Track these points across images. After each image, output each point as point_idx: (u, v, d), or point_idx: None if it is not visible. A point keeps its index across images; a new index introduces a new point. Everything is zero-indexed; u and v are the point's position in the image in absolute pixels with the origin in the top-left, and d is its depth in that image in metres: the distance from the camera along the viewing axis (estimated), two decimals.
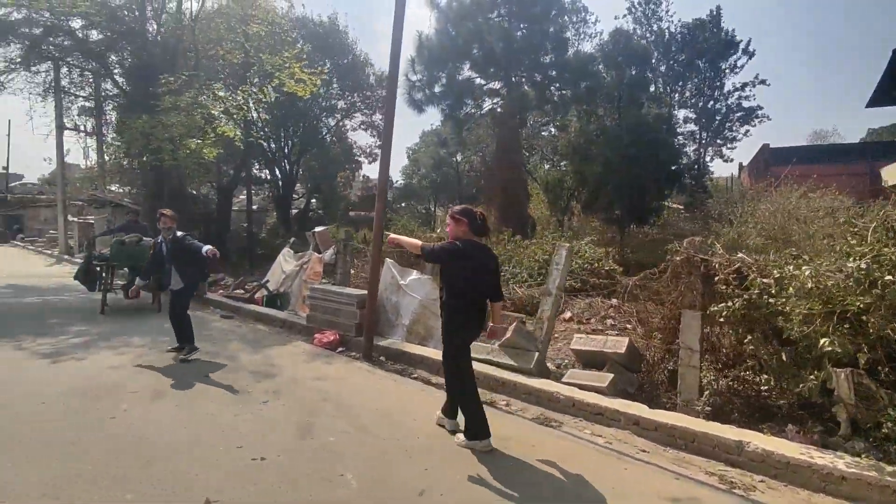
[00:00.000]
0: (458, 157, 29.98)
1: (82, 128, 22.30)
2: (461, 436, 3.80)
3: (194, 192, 19.65)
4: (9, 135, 43.00)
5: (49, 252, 22.27)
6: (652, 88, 21.02)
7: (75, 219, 21.54)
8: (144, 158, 13.64)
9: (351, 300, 6.68)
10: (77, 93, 19.54)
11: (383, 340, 6.41)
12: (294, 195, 28.22)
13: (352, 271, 8.88)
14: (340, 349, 6.55)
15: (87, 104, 20.98)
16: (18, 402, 4.29)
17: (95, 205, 17.53)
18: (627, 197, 16.88)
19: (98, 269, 8.54)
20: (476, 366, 4.30)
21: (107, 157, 21.41)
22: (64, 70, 18.30)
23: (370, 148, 30.90)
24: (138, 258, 8.57)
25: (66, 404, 4.27)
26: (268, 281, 9.65)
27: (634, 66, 18.21)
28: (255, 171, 24.45)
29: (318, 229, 9.50)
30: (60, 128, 21.60)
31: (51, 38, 13.97)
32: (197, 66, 13.92)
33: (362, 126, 29.32)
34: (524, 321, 5.94)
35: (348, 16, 76.11)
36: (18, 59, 13.57)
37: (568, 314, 7.64)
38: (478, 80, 18.27)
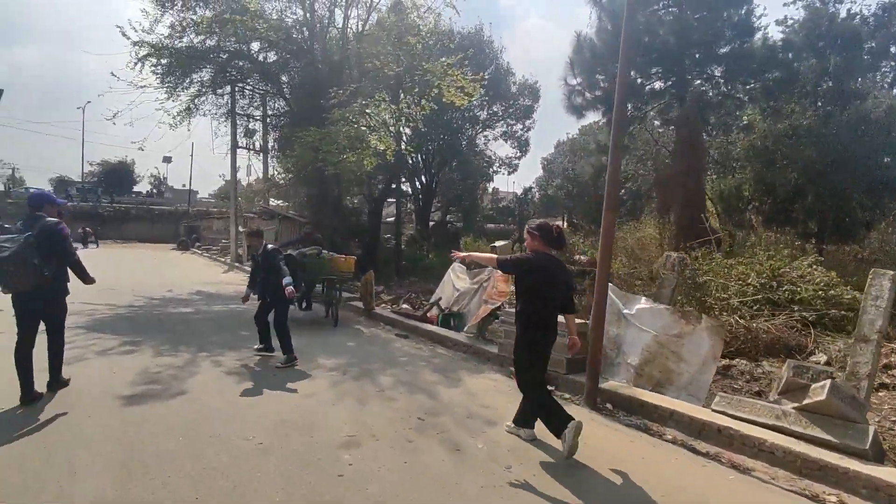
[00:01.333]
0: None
1: (251, 146, 24.41)
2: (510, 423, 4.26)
3: (349, 205, 20.27)
4: (191, 155, 49.21)
5: (222, 260, 24.51)
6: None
7: (245, 229, 23.43)
8: (309, 169, 14.04)
9: (561, 330, 5.64)
10: (251, 113, 21.14)
11: (604, 382, 5.28)
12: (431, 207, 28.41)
13: None
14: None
15: (251, 126, 22.86)
16: (233, 437, 3.84)
17: (265, 216, 18.79)
18: (830, 209, 14.04)
19: None
20: (766, 435, 3.86)
21: (273, 172, 23.15)
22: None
23: (510, 159, 30.23)
24: (318, 271, 8.40)
25: (282, 445, 3.72)
26: (440, 299, 9.04)
27: (841, 51, 15.22)
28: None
29: (498, 244, 8.68)
30: (234, 147, 23.68)
31: (235, 62, 15.06)
32: (360, 79, 14.07)
33: (503, 136, 28.75)
34: (807, 372, 4.44)
35: (492, 26, 76.84)
36: (208, 83, 14.77)
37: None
38: (640, 80, 16.60)
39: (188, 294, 12.08)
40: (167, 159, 58.84)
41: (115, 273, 15.79)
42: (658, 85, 16.87)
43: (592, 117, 17.45)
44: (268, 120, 21.68)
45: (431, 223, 29.51)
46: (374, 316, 9.68)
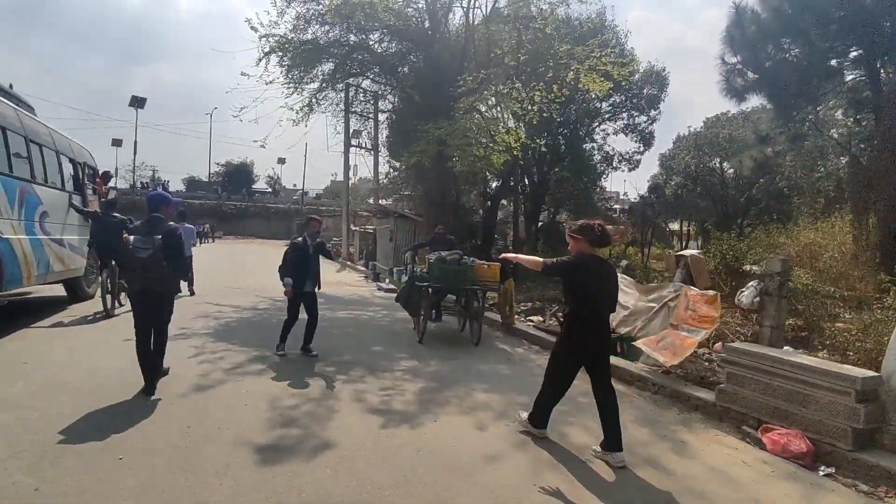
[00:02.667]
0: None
1: (362, 145, 24.20)
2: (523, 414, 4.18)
3: (465, 205, 19.19)
4: (305, 156, 51.40)
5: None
6: None
7: (357, 228, 23.25)
8: (428, 164, 13.02)
9: (842, 384, 3.87)
10: (365, 112, 20.74)
11: None
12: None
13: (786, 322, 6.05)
14: (823, 470, 3.80)
15: (361, 126, 22.57)
16: None
17: (379, 215, 18.28)
18: None
19: (421, 292, 7.37)
20: None
21: (386, 170, 22.72)
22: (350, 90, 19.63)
23: (629, 154, 27.53)
24: (461, 280, 7.18)
25: None
26: None
27: None
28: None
29: (689, 252, 6.91)
30: (348, 145, 23.55)
31: (355, 55, 14.44)
32: (487, 64, 12.77)
33: (624, 129, 26.21)
34: None
35: (614, 9, 72.67)
36: (328, 78, 14.26)
37: None
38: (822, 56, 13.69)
39: (350, 299, 11.51)
40: (282, 160, 62.29)
41: (238, 270, 15.93)
42: (839, 62, 13.87)
43: (754, 101, 14.79)
44: (379, 117, 21.26)
45: (540, 223, 27.67)
46: (514, 331, 8.32)
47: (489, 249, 18.28)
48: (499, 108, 11.84)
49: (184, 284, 9.71)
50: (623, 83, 18.40)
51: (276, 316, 8.76)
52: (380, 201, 24.69)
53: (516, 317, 9.20)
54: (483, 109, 11.82)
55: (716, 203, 27.26)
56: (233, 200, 46.47)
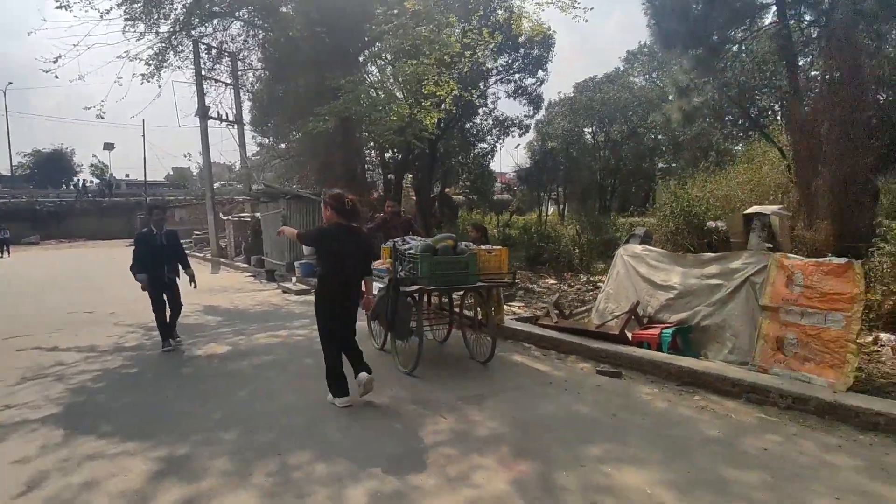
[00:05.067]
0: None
1: (224, 116, 20.12)
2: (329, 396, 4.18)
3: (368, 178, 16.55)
4: (143, 136, 43.20)
5: (200, 256, 20.29)
6: None
7: (229, 217, 19.28)
8: (331, 131, 10.35)
9: None
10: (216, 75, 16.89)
11: None
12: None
13: None
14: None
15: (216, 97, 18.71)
16: None
17: (264, 198, 14.89)
18: None
19: (411, 301, 4.92)
20: None
21: (253, 149, 18.99)
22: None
23: (519, 118, 26.62)
24: (462, 276, 4.95)
25: None
26: (637, 303, 5.74)
27: None
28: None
29: (770, 209, 5.33)
30: (204, 115, 19.30)
31: None
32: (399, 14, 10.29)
33: (515, 93, 25.15)
34: None
35: None
36: (184, 19, 10.59)
37: None
38: None
39: (196, 314, 8.32)
40: (109, 146, 52.27)
41: (80, 287, 11.77)
42: None
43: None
44: (244, 81, 17.62)
45: (432, 195, 25.87)
46: (507, 332, 6.30)
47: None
48: (425, 55, 9.51)
49: None
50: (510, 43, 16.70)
51: (158, 359, 5.76)
52: (253, 184, 20.81)
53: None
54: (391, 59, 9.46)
55: (589, 168, 27.76)
56: (62, 197, 37.54)
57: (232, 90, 19.69)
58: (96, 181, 49.02)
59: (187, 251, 22.05)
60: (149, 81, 10.09)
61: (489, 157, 26.75)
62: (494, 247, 5.62)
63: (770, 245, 5.07)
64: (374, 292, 4.82)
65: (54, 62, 9.23)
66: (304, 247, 13.09)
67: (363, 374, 4.08)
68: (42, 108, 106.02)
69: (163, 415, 4.04)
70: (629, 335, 5.46)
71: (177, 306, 6.18)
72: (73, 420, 3.98)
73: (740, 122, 20.13)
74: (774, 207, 5.39)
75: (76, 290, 11.36)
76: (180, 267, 6.25)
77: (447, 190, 27.72)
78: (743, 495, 2.74)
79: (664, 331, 5.19)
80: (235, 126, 20.38)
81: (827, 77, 9.88)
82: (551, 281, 10.83)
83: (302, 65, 11.34)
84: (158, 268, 5.95)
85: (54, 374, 5.22)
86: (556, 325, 6.21)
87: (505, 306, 7.11)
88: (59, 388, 4.78)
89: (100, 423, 3.88)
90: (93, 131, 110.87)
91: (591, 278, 10.70)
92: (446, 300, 6.22)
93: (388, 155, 18.72)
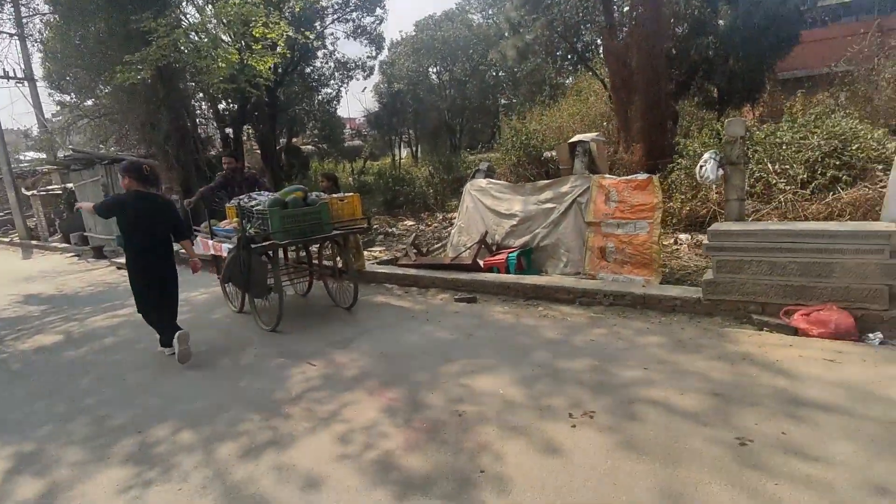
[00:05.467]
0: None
1: (12, 72, 16.74)
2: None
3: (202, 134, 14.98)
4: None
5: (7, 241, 17.17)
6: None
7: (32, 192, 16.37)
8: (147, 79, 9.21)
9: (874, 242, 3.48)
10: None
11: None
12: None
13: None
14: (872, 337, 3.45)
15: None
16: None
17: (77, 165, 12.74)
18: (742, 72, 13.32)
19: (265, 259, 4.73)
20: None
21: (52, 108, 16.08)
22: None
23: (361, 60, 25.76)
24: (316, 227, 4.92)
25: None
26: (486, 233, 6.19)
27: None
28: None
29: (589, 136, 5.83)
30: None
31: None
32: None
33: (355, 33, 24.14)
34: None
35: None
36: None
37: None
38: None
39: (15, 306, 7.18)
40: None
41: None
42: None
43: None
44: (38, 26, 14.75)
45: (278, 147, 24.47)
46: (369, 277, 6.45)
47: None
48: None
49: None
50: None
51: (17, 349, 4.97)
52: (59, 150, 17.73)
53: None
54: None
55: (436, 107, 28.27)
56: None
57: (17, 41, 16.32)
58: None
59: None
60: None
61: (335, 102, 25.68)
62: (347, 194, 5.61)
63: (591, 170, 5.76)
64: (208, 252, 5.09)
65: None
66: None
67: (184, 347, 4.19)
68: None
69: None
70: (481, 263, 5.92)
71: None
72: None
73: (569, 57, 21.71)
74: (592, 135, 6.10)
75: None
76: None
77: (294, 140, 26.28)
78: (574, 379, 3.27)
79: (510, 255, 5.72)
80: (26, 84, 17.06)
81: (633, 13, 11.02)
82: (409, 223, 11.12)
83: (98, 4, 9.69)
84: None
85: None
86: (415, 263, 6.49)
87: (365, 252, 7.21)
88: None
89: None
90: None
91: (447, 216, 11.18)
92: (304, 253, 6.14)
93: (221, 107, 17.14)
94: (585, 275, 5.25)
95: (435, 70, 30.16)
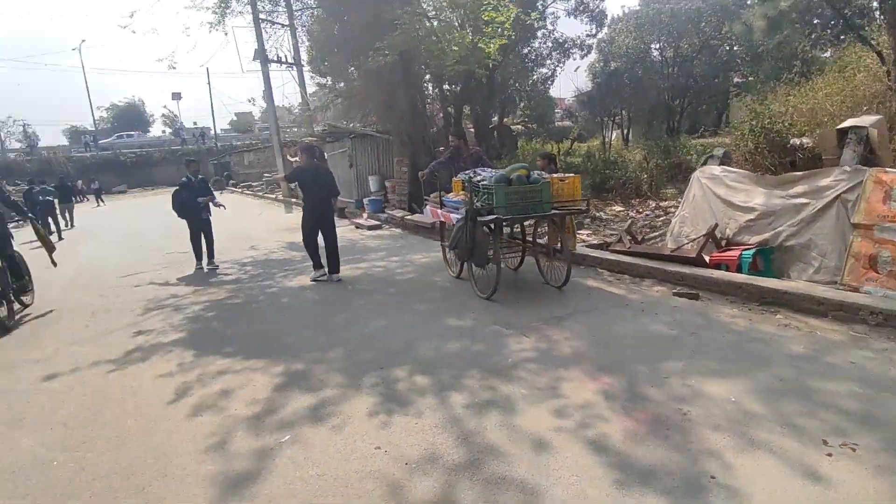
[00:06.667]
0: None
1: (284, 58, 20.30)
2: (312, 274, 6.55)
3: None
4: (209, 83, 44.66)
5: (272, 197, 21.27)
6: None
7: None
8: (389, 66, 10.25)
9: None
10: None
11: None
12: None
13: None
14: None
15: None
16: None
17: (329, 138, 15.26)
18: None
19: (487, 231, 5.12)
20: None
21: (312, 88, 19.18)
22: None
23: (580, 39, 24.96)
24: (536, 205, 5.04)
25: None
26: (715, 226, 5.64)
27: None
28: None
29: (868, 119, 4.98)
30: (264, 60, 19.63)
31: None
32: None
33: (576, 10, 23.50)
34: None
35: None
36: None
37: None
38: None
39: (282, 250, 8.95)
40: (176, 96, 54.18)
41: (168, 234, 12.75)
42: None
43: None
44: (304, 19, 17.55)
45: (491, 126, 25.30)
46: (578, 259, 6.36)
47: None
48: None
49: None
50: None
51: (256, 291, 6.32)
52: (315, 125, 21.22)
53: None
54: None
55: (656, 87, 25.95)
56: (130, 148, 39.92)
57: (289, 32, 19.77)
58: (168, 130, 51.56)
59: (259, 193, 23.10)
60: (216, 30, 10.34)
61: (549, 82, 25.61)
62: (567, 174, 5.62)
63: (866, 161, 4.72)
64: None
65: (130, 17, 9.60)
66: (369, 182, 13.48)
67: (336, 276, 6.34)
68: (109, 63, 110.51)
69: (274, 338, 4.55)
70: (706, 258, 5.42)
71: (210, 239, 7.77)
72: (198, 343, 4.56)
73: (832, 24, 18.06)
74: (872, 118, 4.96)
75: (168, 234, 12.38)
76: (211, 205, 7.85)
77: (504, 120, 27.04)
78: (830, 403, 2.83)
79: (744, 252, 5.12)
80: (294, 68, 20.60)
81: None
82: (618, 208, 10.65)
83: None
84: (195, 208, 7.54)
85: (171, 305, 5.90)
86: (630, 250, 6.22)
87: None
88: (178, 316, 5.42)
89: (221, 346, 4.43)
90: (158, 82, 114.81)
91: (661, 204, 10.42)
92: (518, 229, 6.37)
93: (445, 87, 18.42)
94: (844, 285, 4.44)
95: (657, 46, 27.87)
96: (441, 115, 17.84)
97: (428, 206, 6.39)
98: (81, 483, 2.58)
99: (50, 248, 6.97)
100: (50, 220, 13.36)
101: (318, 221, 6.30)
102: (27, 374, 4.09)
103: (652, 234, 7.44)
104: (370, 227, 10.71)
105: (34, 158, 35.33)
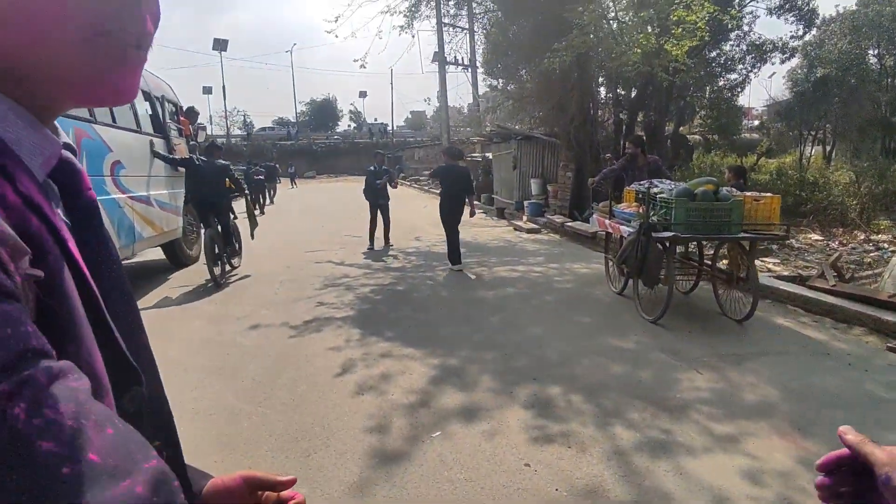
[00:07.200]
0: None
1: (461, 60, 21.06)
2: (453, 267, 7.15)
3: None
4: (391, 83, 48.63)
5: (437, 192, 22.28)
6: None
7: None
8: (565, 67, 9.91)
9: None
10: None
11: None
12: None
13: None
14: None
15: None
16: None
17: (496, 138, 15.56)
18: None
19: (661, 248, 4.72)
20: None
21: (483, 90, 19.61)
22: None
23: (782, 41, 21.74)
24: (724, 224, 4.47)
25: None
26: None
27: None
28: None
29: None
30: (443, 62, 20.59)
31: None
32: None
33: (780, 8, 20.56)
34: None
35: None
36: None
37: None
38: None
39: (442, 244, 9.25)
40: (363, 94, 59.97)
41: (348, 217, 14.05)
42: None
43: None
44: (475, 25, 17.98)
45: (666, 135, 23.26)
46: (764, 291, 5.50)
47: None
48: None
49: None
50: None
51: (418, 280, 6.62)
52: (483, 125, 21.77)
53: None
54: None
55: (872, 99, 21.43)
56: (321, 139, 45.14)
57: (468, 35, 20.49)
58: (353, 125, 57.22)
59: (425, 187, 24.33)
60: (406, 32, 11.08)
61: (738, 89, 22.81)
62: (763, 194, 4.90)
63: None
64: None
65: (335, 21, 10.75)
66: (531, 185, 13.36)
67: (458, 266, 7.10)
68: (311, 63, 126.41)
69: (432, 329, 4.70)
70: None
71: (386, 221, 9.01)
72: (365, 323, 4.90)
73: None
74: None
75: (347, 218, 13.66)
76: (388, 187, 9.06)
77: (681, 129, 24.81)
78: None
79: None
80: (469, 70, 21.30)
81: None
82: (814, 236, 9.09)
83: (539, 0, 11.07)
84: (375, 193, 8.80)
85: (344, 284, 6.46)
86: (834, 289, 5.23)
87: (757, 261, 6.25)
88: (350, 295, 5.91)
89: (385, 329, 4.70)
90: (349, 81, 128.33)
91: (873, 237, 8.68)
92: (693, 249, 5.76)
93: (619, 91, 17.50)
94: None
95: (875, 53, 23.19)
96: (611, 120, 17.00)
97: (595, 215, 6.08)
98: (261, 437, 2.90)
99: (253, 224, 8.05)
100: (260, 196, 15.76)
101: (451, 210, 7.07)
102: (229, 328, 4.78)
103: (863, 273, 6.20)
104: (528, 231, 10.63)
105: (249, 144, 41.78)
